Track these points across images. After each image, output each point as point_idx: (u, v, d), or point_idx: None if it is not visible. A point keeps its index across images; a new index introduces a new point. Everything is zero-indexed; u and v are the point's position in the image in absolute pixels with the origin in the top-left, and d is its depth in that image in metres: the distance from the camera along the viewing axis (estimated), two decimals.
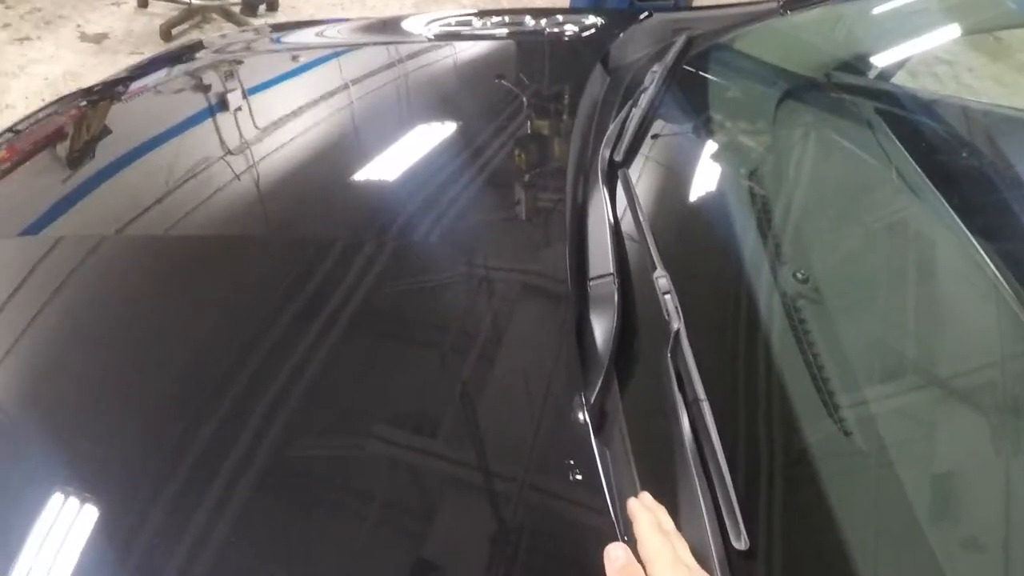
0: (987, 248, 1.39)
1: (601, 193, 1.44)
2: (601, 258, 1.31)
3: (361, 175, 1.66)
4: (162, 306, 1.37)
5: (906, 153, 1.65)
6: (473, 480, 1.09)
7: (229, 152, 1.73)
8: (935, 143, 1.82)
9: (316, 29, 2.55)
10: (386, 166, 1.68)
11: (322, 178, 1.67)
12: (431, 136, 1.78)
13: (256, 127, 1.85)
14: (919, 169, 1.60)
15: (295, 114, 1.87)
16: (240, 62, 2.36)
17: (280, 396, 1.17)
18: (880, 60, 2.16)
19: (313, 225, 1.54)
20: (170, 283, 1.42)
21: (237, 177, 1.64)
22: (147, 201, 1.56)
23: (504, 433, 1.13)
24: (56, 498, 1.05)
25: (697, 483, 0.98)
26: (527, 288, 1.41)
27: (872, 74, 2.15)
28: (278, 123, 1.84)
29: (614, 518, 1.00)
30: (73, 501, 1.05)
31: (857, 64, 2.16)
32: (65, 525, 1.03)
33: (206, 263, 1.45)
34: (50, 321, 1.34)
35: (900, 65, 2.21)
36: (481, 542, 1.02)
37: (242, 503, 1.05)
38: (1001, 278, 1.34)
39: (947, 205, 1.50)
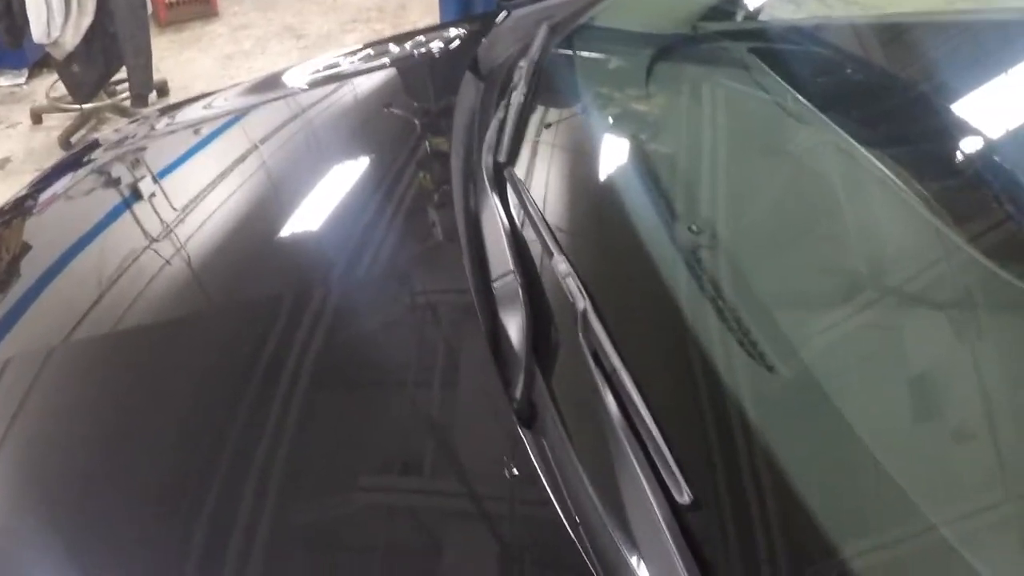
0: (883, 159, 1.41)
1: (490, 197, 1.46)
2: (500, 258, 1.33)
3: (284, 231, 1.67)
4: (124, 403, 1.37)
5: (787, 85, 1.67)
6: (454, 513, 1.11)
7: (153, 239, 1.73)
8: (816, 68, 1.84)
9: (203, 102, 2.55)
10: (305, 217, 1.69)
11: (249, 242, 1.67)
12: (338, 178, 1.79)
13: (173, 208, 1.85)
14: (800, 97, 1.62)
15: (207, 187, 1.87)
16: (143, 148, 2.36)
17: (263, 471, 1.18)
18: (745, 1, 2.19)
19: (250, 289, 1.55)
20: (128, 377, 1.42)
21: (167, 262, 1.64)
22: (86, 305, 1.56)
23: (459, 455, 1.15)
24: None
25: (630, 449, 0.99)
26: (439, 306, 1.43)
27: (740, 15, 2.18)
28: (194, 200, 1.84)
29: (558, 505, 1.02)
30: None
31: (723, 8, 2.18)
32: None
33: (158, 350, 1.45)
34: (14, 438, 1.34)
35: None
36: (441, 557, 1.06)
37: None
38: (902, 184, 1.37)
39: (836, 126, 1.52)
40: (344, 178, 1.79)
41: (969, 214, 1.34)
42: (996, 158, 1.41)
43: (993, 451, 1.03)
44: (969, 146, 1.49)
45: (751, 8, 2.21)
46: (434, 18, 5.43)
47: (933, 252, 1.31)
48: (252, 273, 1.59)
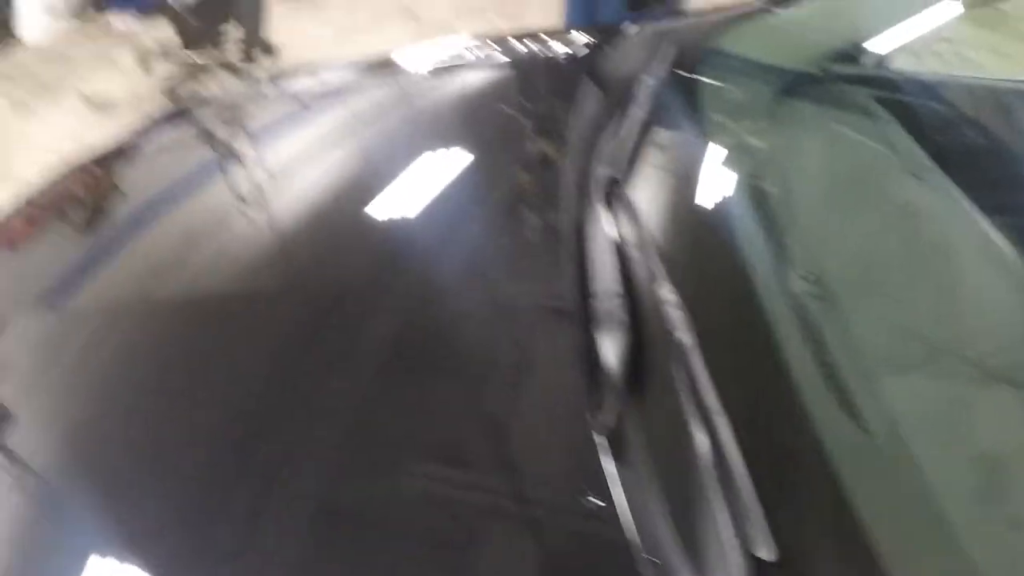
0: (1001, 225, 1.37)
1: (600, 212, 1.43)
2: (606, 278, 1.30)
3: (375, 213, 1.67)
4: (196, 367, 1.38)
5: (910, 139, 1.63)
6: (495, 513, 1.09)
7: (243, 203, 1.74)
8: (939, 125, 1.80)
9: (315, 74, 2.56)
10: (398, 203, 1.68)
11: (338, 220, 1.68)
12: (437, 169, 1.77)
13: (268, 175, 1.85)
14: (925, 153, 1.58)
15: (304, 159, 1.87)
16: (246, 112, 2.37)
17: (315, 444, 1.19)
18: (877, 46, 2.14)
19: (334, 268, 1.55)
20: (202, 343, 1.43)
21: (254, 227, 1.64)
22: (168, 263, 1.57)
23: (520, 460, 1.13)
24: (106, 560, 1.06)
25: (720, 497, 0.96)
26: (539, 315, 1.41)
27: (869, 61, 2.13)
28: (289, 170, 1.84)
29: (637, 541, 0.99)
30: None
31: (853, 53, 2.14)
32: None
33: (231, 318, 1.46)
34: (82, 394, 1.35)
35: (898, 49, 2.19)
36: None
37: (290, 552, 1.07)
38: (1017, 254, 1.33)
39: (954, 186, 1.48)
40: (445, 169, 1.78)
41: None
42: None
43: None
44: None
45: (879, 56, 2.17)
46: (552, 18, 5.40)
47: None
48: (339, 252, 1.59)
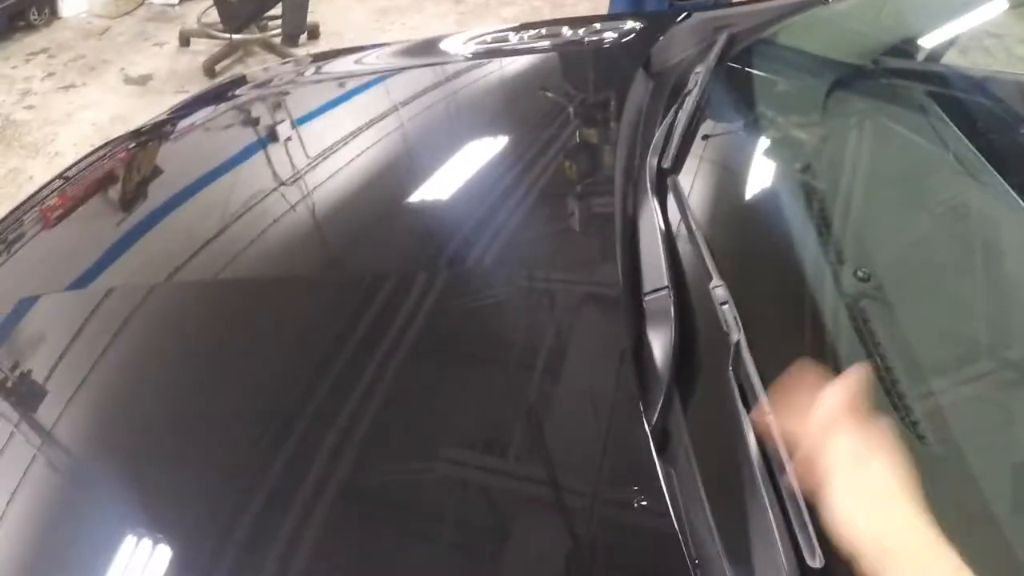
0: None
1: (651, 203, 1.41)
2: (655, 271, 1.28)
3: (414, 198, 1.66)
4: (228, 346, 1.38)
5: (961, 135, 1.61)
6: (539, 504, 1.08)
7: (282, 184, 1.73)
8: (990, 122, 1.77)
9: (356, 56, 2.54)
10: (438, 187, 1.68)
11: (377, 204, 1.67)
12: (480, 154, 1.77)
13: (307, 157, 1.85)
14: (976, 150, 1.56)
15: (344, 142, 1.86)
16: (286, 93, 2.37)
17: (348, 427, 1.18)
18: (928, 41, 2.12)
19: (372, 251, 1.55)
20: (234, 321, 1.43)
21: (292, 209, 1.64)
22: (203, 240, 1.56)
23: (567, 455, 1.11)
24: (128, 540, 1.07)
25: (767, 501, 0.94)
26: (582, 303, 1.40)
27: (921, 56, 2.10)
28: (328, 152, 1.83)
29: (682, 541, 0.98)
30: (145, 541, 1.06)
31: (904, 47, 2.11)
32: (138, 563, 1.04)
33: (267, 300, 1.45)
34: (113, 373, 1.34)
35: (949, 44, 2.16)
36: (551, 567, 1.01)
37: (317, 534, 1.06)
38: None
39: (1007, 185, 1.45)
40: (485, 154, 1.77)
41: None
42: None
43: None
44: None
45: (930, 50, 2.14)
46: (595, 4, 5.38)
47: None
48: (375, 234, 1.59)
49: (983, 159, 1.53)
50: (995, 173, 1.49)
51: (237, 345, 1.39)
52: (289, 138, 1.99)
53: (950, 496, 1.02)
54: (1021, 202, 1.41)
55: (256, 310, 1.44)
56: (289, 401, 1.23)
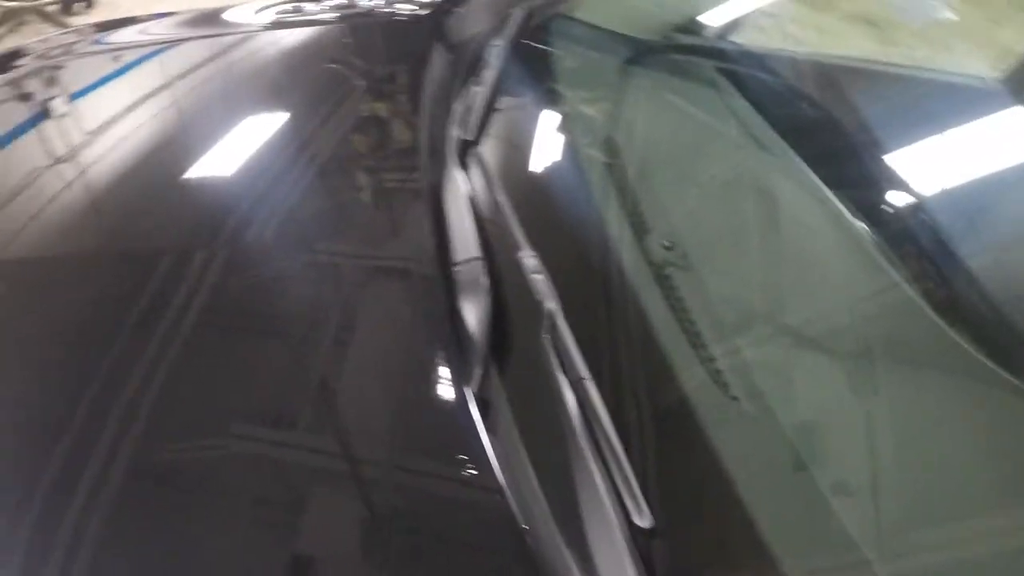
0: (839, 193, 1.40)
1: (455, 174, 1.40)
2: (465, 241, 1.27)
3: (196, 173, 1.60)
4: (3, 329, 1.30)
5: (752, 109, 1.65)
6: (342, 477, 1.06)
7: (57, 162, 1.65)
8: (777, 96, 1.83)
9: (140, 26, 2.45)
10: (221, 163, 1.62)
11: (158, 179, 1.60)
12: (265, 129, 1.72)
13: (84, 133, 1.76)
14: (766, 123, 1.60)
15: (122, 116, 1.79)
16: (62, 66, 2.26)
17: (131, 409, 1.12)
18: (716, 19, 2.17)
19: (152, 228, 1.48)
20: (11, 305, 1.35)
21: (66, 187, 1.56)
22: None
23: (382, 429, 1.10)
24: None
25: (592, 464, 0.95)
26: (375, 275, 1.39)
27: (710, 34, 2.16)
28: (105, 127, 1.75)
29: (511, 508, 0.97)
30: None
31: (695, 25, 2.16)
32: None
33: (42, 280, 1.38)
34: None
35: (736, 23, 2.22)
36: (364, 540, 1.00)
37: (105, 517, 1.01)
38: (853, 221, 1.35)
39: (797, 156, 1.50)
40: (270, 128, 1.73)
41: (901, 261, 1.32)
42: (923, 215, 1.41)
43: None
44: (898, 198, 1.48)
45: (722, 27, 2.20)
46: None
47: (869, 288, 1.30)
48: (157, 210, 1.53)
49: (772, 132, 1.58)
50: (785, 145, 1.54)
51: (12, 327, 1.32)
52: (64, 113, 1.90)
53: (763, 451, 1.05)
54: (809, 172, 1.45)
55: (32, 291, 1.38)
56: (66, 385, 1.18)
